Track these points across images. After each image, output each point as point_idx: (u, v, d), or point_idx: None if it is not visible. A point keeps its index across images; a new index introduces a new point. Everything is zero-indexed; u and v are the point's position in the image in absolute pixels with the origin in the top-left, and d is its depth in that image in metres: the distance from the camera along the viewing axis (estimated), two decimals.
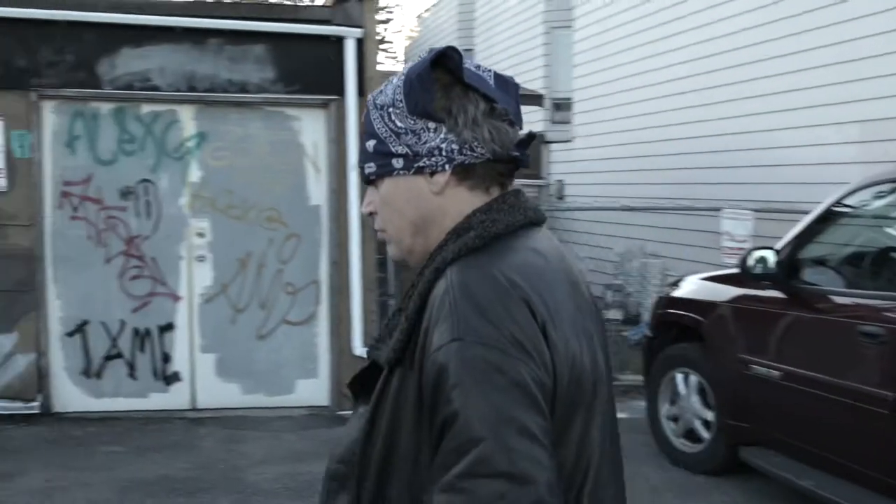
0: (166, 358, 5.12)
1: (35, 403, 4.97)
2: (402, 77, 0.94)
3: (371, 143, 0.94)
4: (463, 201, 0.93)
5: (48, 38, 4.93)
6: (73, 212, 5.01)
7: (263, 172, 5.12)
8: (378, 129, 0.95)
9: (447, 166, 0.92)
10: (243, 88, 5.06)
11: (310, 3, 12.79)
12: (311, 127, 5.14)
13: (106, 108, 5.00)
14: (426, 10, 14.82)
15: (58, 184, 5.00)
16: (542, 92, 8.32)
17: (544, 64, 9.56)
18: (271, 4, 8.26)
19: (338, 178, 5.12)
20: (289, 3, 12.89)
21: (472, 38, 12.17)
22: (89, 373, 5.07)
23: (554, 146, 9.12)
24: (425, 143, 0.93)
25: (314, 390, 5.22)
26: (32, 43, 4.91)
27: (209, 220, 5.10)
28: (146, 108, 5.04)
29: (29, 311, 4.95)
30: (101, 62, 4.96)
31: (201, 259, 5.10)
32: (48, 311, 4.99)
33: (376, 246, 5.19)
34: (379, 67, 5.76)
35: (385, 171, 0.94)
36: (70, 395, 5.06)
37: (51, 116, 4.98)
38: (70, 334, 5.04)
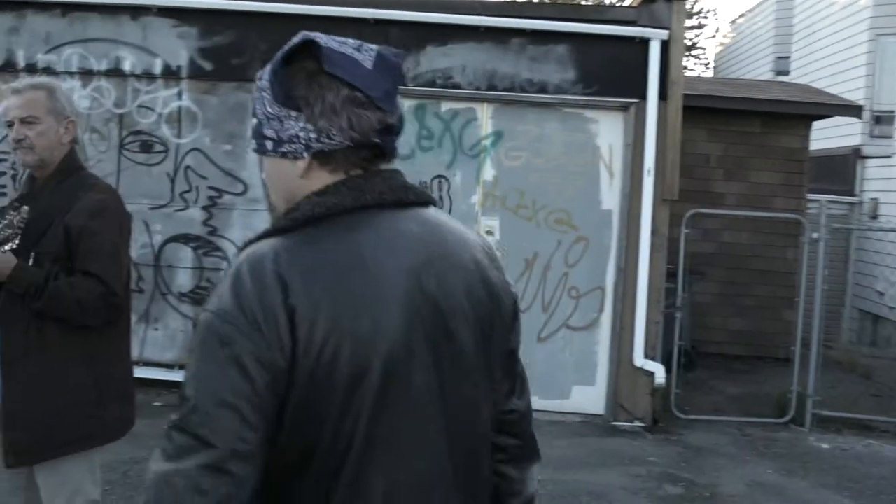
0: None
1: None
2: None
3: (253, 122, 1.21)
4: (319, 183, 1.15)
5: (357, 35, 5.94)
6: None
7: (556, 174, 5.98)
8: (257, 110, 1.20)
9: (305, 153, 1.14)
10: (542, 89, 5.94)
11: (614, 4, 13.74)
12: (608, 130, 5.96)
13: (408, 104, 5.99)
14: (741, 16, 15.58)
15: None
16: (861, 103, 8.65)
17: (866, 73, 9.95)
18: (577, 5, 9.16)
19: (632, 183, 5.91)
20: (592, 3, 13.88)
21: (790, 45, 12.83)
22: None
23: (870, 161, 9.56)
24: (287, 130, 1.15)
25: (590, 398, 6.05)
26: None
27: (499, 219, 6.01)
28: (446, 106, 6.01)
29: None
30: (405, 59, 5.96)
31: None
32: None
33: (666, 255, 5.97)
34: (685, 73, 6.49)
35: (261, 151, 1.20)
36: None
37: None
38: None
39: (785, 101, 8.24)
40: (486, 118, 6.01)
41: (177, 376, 6.00)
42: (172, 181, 6.11)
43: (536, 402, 5.87)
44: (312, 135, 1.13)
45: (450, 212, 6.02)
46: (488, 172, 6.02)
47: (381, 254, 1.12)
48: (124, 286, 2.52)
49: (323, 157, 1.15)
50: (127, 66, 6.12)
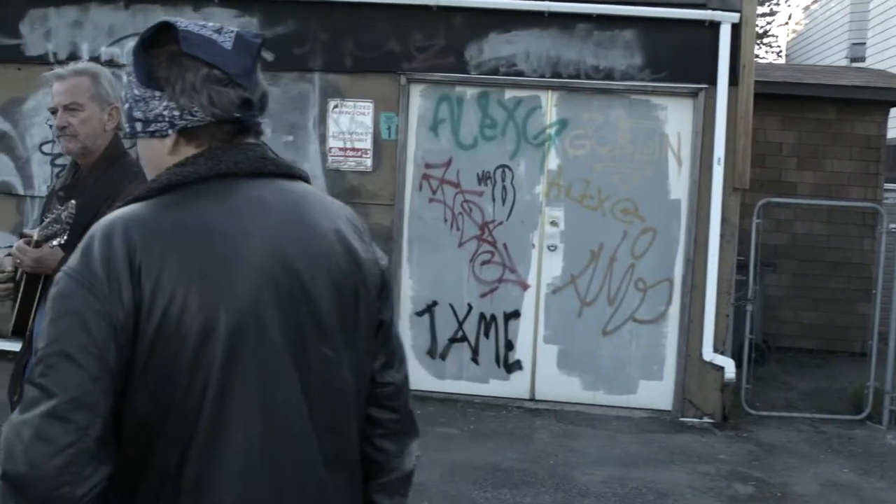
0: (509, 346, 6.61)
1: None
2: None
3: (126, 107, 1.41)
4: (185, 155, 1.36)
5: (419, 22, 6.53)
6: (431, 194, 6.60)
7: (622, 162, 6.48)
8: (127, 95, 1.40)
9: (170, 131, 1.34)
10: (608, 75, 6.43)
11: None
12: (676, 117, 6.43)
13: (470, 92, 6.54)
14: (814, 2, 16.01)
15: (419, 166, 6.61)
16: None
17: None
18: None
19: (700, 171, 6.37)
20: None
21: (865, 32, 13.20)
22: (434, 353, 6.66)
23: None
24: (152, 109, 1.34)
25: (657, 393, 6.53)
26: (405, 28, 6.53)
27: (563, 209, 6.52)
28: (509, 94, 6.54)
29: None
30: (468, 47, 6.51)
31: (552, 248, 6.54)
32: (401, 290, 6.61)
33: (736, 247, 6.42)
34: (757, 61, 6.94)
35: (132, 134, 1.40)
36: (414, 373, 6.51)
37: (418, 100, 6.59)
38: (419, 314, 6.65)
39: (861, 87, 8.60)
40: (550, 106, 6.53)
41: None
42: None
43: (602, 397, 6.42)
44: (175, 112, 1.34)
45: (513, 202, 6.55)
46: (553, 162, 6.53)
47: (232, 217, 1.32)
48: None
49: (188, 133, 1.35)
50: None
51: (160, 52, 1.34)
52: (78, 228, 2.53)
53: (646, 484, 5.18)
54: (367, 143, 6.58)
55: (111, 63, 6.76)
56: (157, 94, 1.34)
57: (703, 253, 6.35)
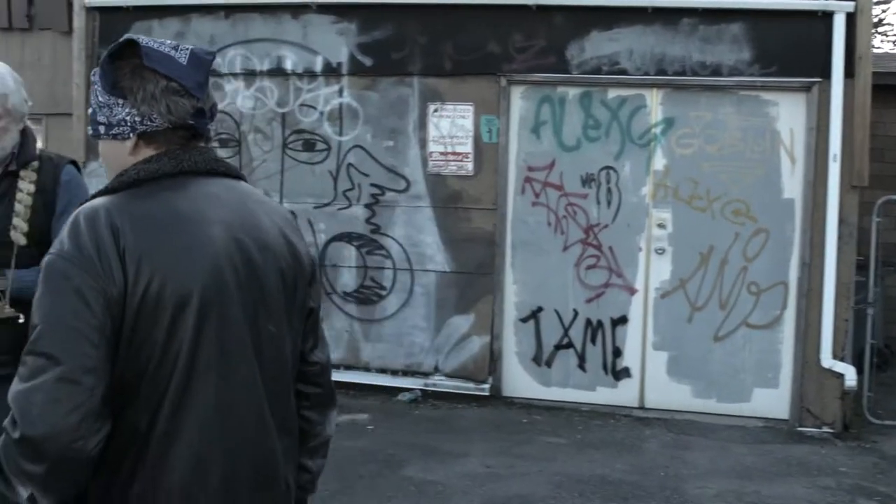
0: (617, 352, 7.13)
1: (486, 386, 7.21)
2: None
3: (90, 111, 1.75)
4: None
5: (519, 22, 7.10)
6: (534, 197, 7.17)
7: (732, 161, 6.90)
8: (92, 101, 1.74)
9: (131, 134, 1.70)
10: (716, 71, 6.86)
11: None
12: (788, 112, 6.81)
13: (572, 92, 7.08)
14: None
15: (521, 169, 7.19)
16: None
17: None
18: None
19: (815, 169, 6.73)
20: None
21: None
22: (539, 360, 7.23)
23: None
24: (115, 115, 1.70)
25: (772, 401, 6.92)
26: (504, 28, 7.10)
27: (671, 211, 6.99)
28: (613, 93, 7.05)
29: (486, 293, 7.20)
30: (569, 46, 7.05)
31: (660, 251, 7.02)
32: (504, 296, 7.20)
33: (855, 247, 6.77)
34: (874, 50, 7.24)
35: (96, 135, 1.75)
36: (519, 381, 7.26)
37: (518, 102, 7.17)
38: (524, 320, 7.23)
39: None
40: (655, 105, 7.00)
41: (343, 376, 7.33)
42: (335, 179, 7.46)
43: (714, 405, 6.88)
44: (137, 118, 1.70)
45: (619, 204, 7.04)
46: (659, 162, 7.01)
47: (195, 208, 1.68)
48: None
49: (147, 137, 1.71)
50: (288, 65, 7.51)
51: (124, 64, 1.69)
52: None
53: (762, 498, 5.42)
54: (468, 147, 7.18)
55: (213, 73, 7.57)
56: (121, 101, 1.70)
57: (819, 255, 6.70)
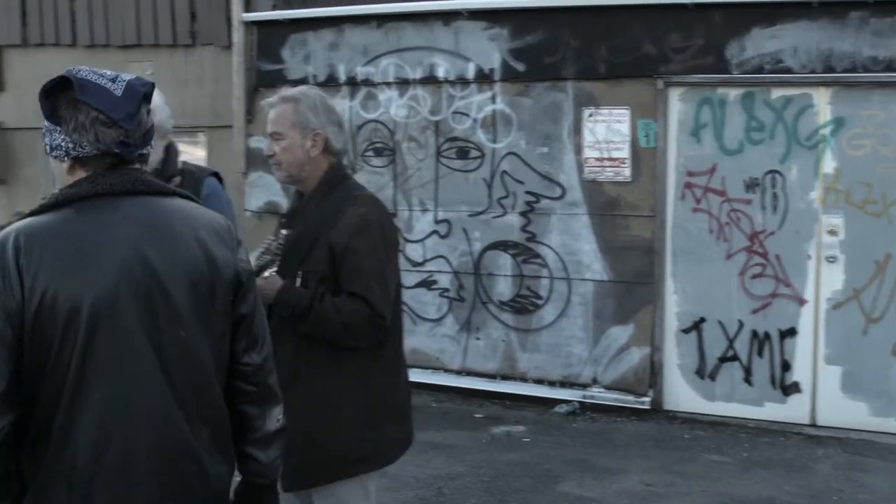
0: (786, 366, 7.72)
1: (646, 399, 7.97)
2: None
3: (42, 132, 2.23)
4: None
5: (676, 22, 7.75)
6: (695, 203, 7.86)
7: None
8: (42, 124, 2.21)
9: (66, 158, 2.19)
10: (890, 66, 7.23)
11: None
12: None
13: (733, 93, 7.68)
14: None
15: (681, 174, 7.89)
16: None
17: None
18: None
19: None
20: None
21: None
22: (703, 373, 7.93)
23: None
24: (54, 140, 2.18)
25: None
26: (660, 29, 7.77)
27: (842, 217, 7.46)
28: (776, 93, 7.60)
29: (646, 303, 7.96)
30: (729, 45, 7.66)
31: (831, 260, 7.55)
32: (665, 306, 7.94)
33: None
34: None
35: (46, 153, 2.25)
36: (681, 395, 7.99)
37: (676, 104, 7.85)
38: (685, 331, 7.95)
39: None
40: (823, 104, 7.51)
41: (499, 387, 8.33)
42: (489, 187, 8.41)
43: (894, 425, 7.33)
44: (70, 144, 2.18)
45: (786, 210, 7.60)
46: (829, 165, 7.52)
47: (102, 227, 2.14)
48: (392, 305, 3.22)
49: (80, 161, 2.20)
50: (441, 73, 8.51)
51: (62, 95, 2.16)
52: (299, 254, 3.21)
53: None
54: (625, 152, 7.96)
55: (366, 83, 8.71)
56: (58, 128, 2.19)
57: None
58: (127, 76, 2.25)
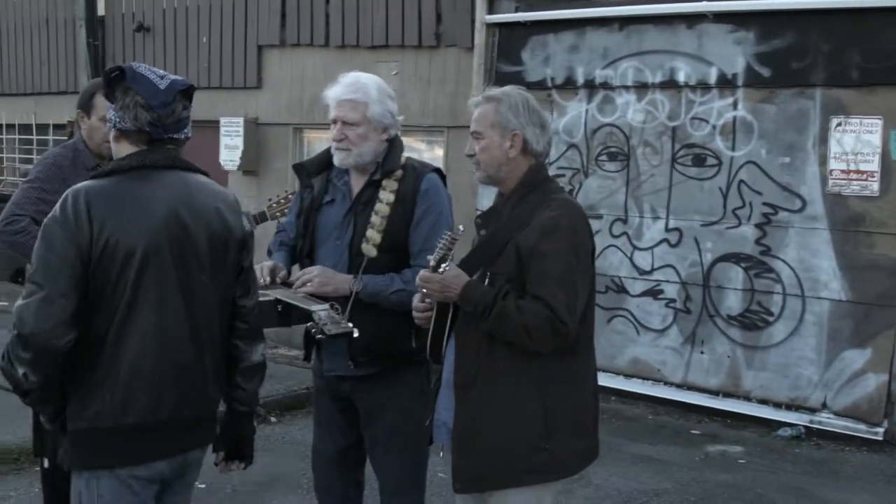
0: None
1: (879, 429, 7.40)
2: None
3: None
4: (126, 149, 2.91)
5: None
6: None
7: None
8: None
9: (113, 129, 2.91)
10: None
11: None
12: None
13: None
14: None
15: None
16: None
17: None
18: None
19: None
20: None
21: None
22: None
23: None
24: (110, 115, 2.90)
25: None
26: None
27: None
28: None
29: (886, 328, 7.40)
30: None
31: None
32: None
33: None
34: None
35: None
36: None
37: None
38: None
39: None
40: None
41: (720, 404, 8.03)
42: (725, 196, 8.14)
43: None
44: (116, 119, 2.90)
45: None
46: None
47: (147, 191, 2.84)
48: (579, 312, 3.12)
49: (122, 133, 2.91)
50: (681, 77, 8.34)
51: (120, 83, 2.88)
52: (486, 256, 3.25)
53: None
54: (874, 165, 7.49)
55: (604, 86, 8.66)
56: (112, 105, 2.91)
57: None
58: (174, 77, 2.94)
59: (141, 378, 2.83)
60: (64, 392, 2.85)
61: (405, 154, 3.92)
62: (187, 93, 2.94)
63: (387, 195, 3.76)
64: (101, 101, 4.18)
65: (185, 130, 2.98)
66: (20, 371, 2.72)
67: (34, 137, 14.94)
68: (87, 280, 2.75)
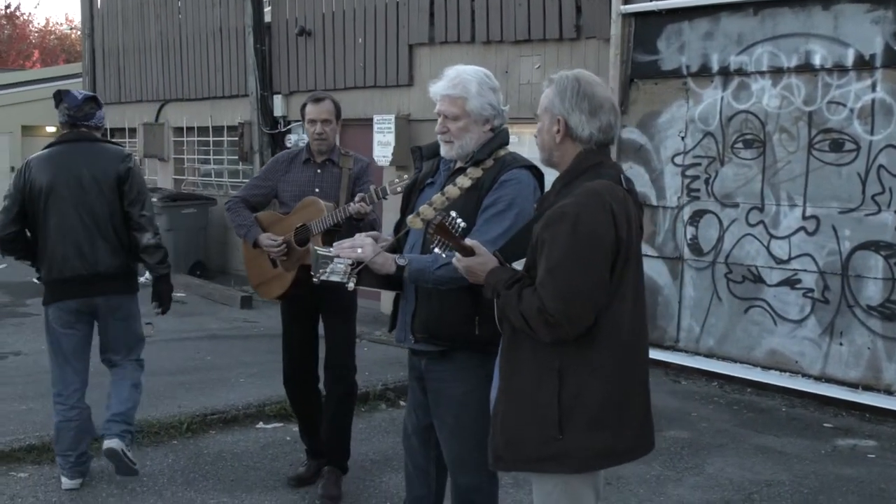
0: None
1: None
2: None
3: None
4: (60, 132, 5.79)
5: None
6: None
7: None
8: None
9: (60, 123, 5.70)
10: None
11: None
12: None
13: None
14: None
15: None
16: None
17: None
18: None
19: None
20: None
21: None
22: None
23: None
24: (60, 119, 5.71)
25: None
26: None
27: None
28: None
29: None
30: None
31: None
32: None
33: None
34: None
35: None
36: None
37: None
38: None
39: None
40: None
41: (859, 397, 7.79)
42: (863, 182, 7.89)
43: None
44: (60, 118, 5.60)
45: None
46: None
47: (59, 153, 5.51)
48: (582, 301, 3.07)
49: (62, 124, 5.59)
50: (817, 60, 8.12)
51: (59, 99, 5.58)
52: (520, 242, 3.34)
53: None
54: None
55: (739, 72, 8.56)
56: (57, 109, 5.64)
57: None
58: (87, 93, 5.71)
59: (54, 254, 5.49)
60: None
61: (511, 148, 4.01)
62: (90, 99, 5.66)
63: (463, 180, 3.84)
64: (309, 109, 5.65)
65: (93, 121, 5.64)
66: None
67: (210, 139, 15.96)
68: (24, 203, 5.50)
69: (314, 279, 3.91)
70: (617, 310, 3.17)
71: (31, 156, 5.63)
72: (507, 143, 3.99)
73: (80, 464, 5.62)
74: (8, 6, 41.76)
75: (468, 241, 3.33)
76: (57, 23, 47.05)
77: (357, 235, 3.94)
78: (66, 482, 5.61)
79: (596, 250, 3.09)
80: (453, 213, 3.24)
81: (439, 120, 3.94)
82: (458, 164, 3.98)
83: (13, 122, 22.56)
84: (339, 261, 3.80)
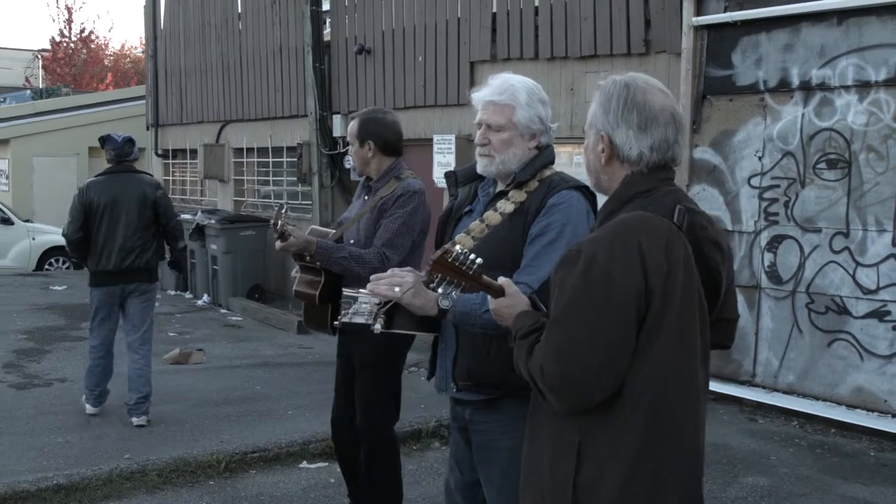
0: None
1: None
2: None
3: None
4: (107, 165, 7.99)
5: None
6: None
7: None
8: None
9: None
10: None
11: None
12: None
13: None
14: None
15: None
16: None
17: None
18: None
19: None
20: None
21: None
22: None
23: None
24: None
25: None
26: None
27: None
28: None
29: None
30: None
31: None
32: None
33: None
34: None
35: None
36: None
37: None
38: None
39: None
40: None
41: None
42: None
43: None
44: (107, 156, 7.70)
45: None
46: None
47: (111, 181, 7.46)
48: (576, 365, 2.45)
49: (109, 160, 7.65)
50: None
51: (105, 142, 7.68)
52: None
53: None
54: None
55: (822, 87, 7.93)
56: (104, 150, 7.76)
57: None
58: (124, 135, 7.72)
59: (101, 253, 7.31)
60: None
61: (556, 168, 3.50)
62: (130, 140, 7.52)
63: (506, 205, 3.36)
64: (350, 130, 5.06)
65: (132, 157, 7.55)
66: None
67: (270, 160, 15.66)
68: (87, 215, 7.24)
69: (335, 323, 3.41)
70: (650, 376, 2.48)
71: (87, 180, 7.67)
72: (552, 163, 3.47)
73: (101, 396, 7.63)
74: (83, 30, 42.27)
75: (502, 280, 2.84)
76: (132, 46, 47.55)
77: (393, 270, 3.40)
78: (89, 408, 7.61)
79: (610, 300, 2.43)
80: (458, 247, 2.75)
81: (480, 130, 3.45)
82: (499, 188, 3.49)
83: (81, 144, 22.70)
84: (364, 299, 3.29)
